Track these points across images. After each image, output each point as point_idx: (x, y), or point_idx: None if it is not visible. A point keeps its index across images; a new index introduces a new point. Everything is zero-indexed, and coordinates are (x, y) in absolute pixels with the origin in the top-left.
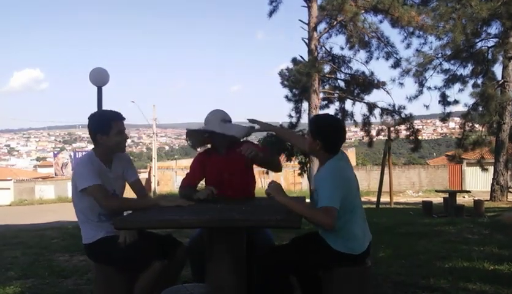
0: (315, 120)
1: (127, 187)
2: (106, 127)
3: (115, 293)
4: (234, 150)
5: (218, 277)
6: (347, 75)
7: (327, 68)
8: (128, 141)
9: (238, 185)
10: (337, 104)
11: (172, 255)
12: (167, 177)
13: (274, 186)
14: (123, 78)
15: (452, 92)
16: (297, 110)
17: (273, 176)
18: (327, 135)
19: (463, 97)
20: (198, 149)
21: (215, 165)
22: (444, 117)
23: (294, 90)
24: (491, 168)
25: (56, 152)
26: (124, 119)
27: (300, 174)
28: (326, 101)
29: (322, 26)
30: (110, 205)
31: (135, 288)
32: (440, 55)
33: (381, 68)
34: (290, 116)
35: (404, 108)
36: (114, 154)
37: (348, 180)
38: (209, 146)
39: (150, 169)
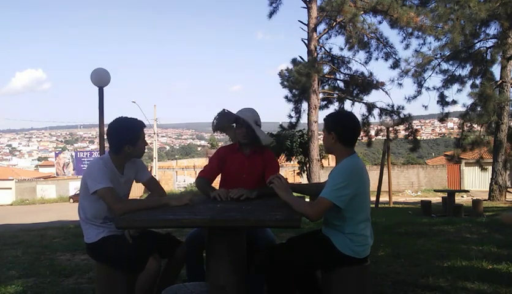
0: (328, 116)
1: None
2: (136, 136)
3: (117, 292)
4: (257, 154)
5: (218, 276)
6: (346, 76)
7: (326, 68)
8: None
9: (253, 186)
10: (336, 104)
11: (172, 253)
12: (168, 176)
13: (279, 184)
14: (124, 78)
15: (451, 93)
16: (297, 110)
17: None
18: (341, 125)
19: (462, 97)
20: (215, 134)
21: (237, 163)
22: (443, 118)
23: (294, 90)
24: (490, 168)
25: (57, 152)
26: (145, 126)
27: (299, 174)
28: (325, 102)
29: (321, 27)
30: (120, 208)
31: (135, 288)
32: (438, 55)
33: (380, 69)
34: (290, 116)
35: (403, 108)
36: (128, 160)
37: (362, 180)
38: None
39: (151, 169)
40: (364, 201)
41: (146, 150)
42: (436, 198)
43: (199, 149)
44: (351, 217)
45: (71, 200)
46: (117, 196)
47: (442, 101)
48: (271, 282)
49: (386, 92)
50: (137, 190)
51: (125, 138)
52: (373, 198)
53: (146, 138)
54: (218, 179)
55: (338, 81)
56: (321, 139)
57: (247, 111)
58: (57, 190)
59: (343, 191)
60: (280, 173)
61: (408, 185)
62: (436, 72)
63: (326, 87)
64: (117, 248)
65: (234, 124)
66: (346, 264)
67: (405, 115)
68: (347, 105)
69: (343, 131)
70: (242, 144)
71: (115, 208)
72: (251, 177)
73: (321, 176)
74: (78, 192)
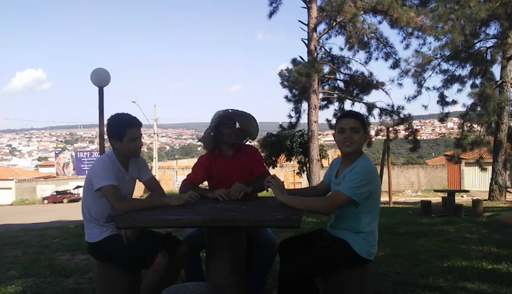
0: (361, 115)
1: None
2: (120, 132)
3: (117, 292)
4: (240, 152)
5: (218, 276)
6: (346, 76)
7: (326, 68)
8: None
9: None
10: (336, 104)
11: (172, 253)
12: (168, 176)
13: (276, 185)
14: (124, 78)
15: (451, 93)
16: (297, 110)
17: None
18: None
19: (462, 97)
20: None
21: (223, 167)
22: (443, 118)
23: (293, 90)
24: (490, 168)
25: (57, 152)
26: (139, 125)
27: (298, 174)
28: (325, 102)
29: (321, 27)
30: (121, 207)
31: (141, 286)
32: (438, 55)
33: (380, 69)
34: (290, 116)
35: (403, 108)
36: (129, 158)
37: (378, 180)
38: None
39: (151, 169)
40: (377, 201)
41: (145, 150)
42: (436, 198)
43: (199, 149)
44: (366, 215)
45: (46, 201)
46: (120, 195)
47: (442, 101)
48: (287, 286)
49: (386, 92)
50: (137, 190)
51: (110, 132)
52: None
53: (145, 138)
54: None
55: (338, 81)
56: (321, 139)
57: (222, 111)
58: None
59: (363, 188)
60: (279, 172)
61: (408, 185)
62: (436, 72)
63: (326, 87)
64: (120, 248)
65: (212, 133)
66: (360, 265)
67: (405, 115)
68: (347, 105)
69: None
70: (224, 146)
71: (116, 206)
72: (241, 177)
73: (321, 176)
74: (54, 193)
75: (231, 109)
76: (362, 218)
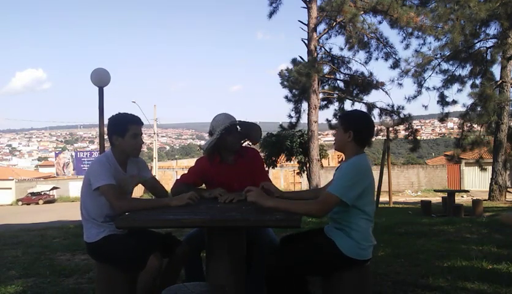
0: (347, 114)
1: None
2: (122, 129)
3: (117, 292)
4: (241, 157)
5: (218, 276)
6: (346, 76)
7: (326, 68)
8: None
9: None
10: (336, 104)
11: (172, 253)
12: (168, 177)
13: (256, 193)
14: (124, 78)
15: (451, 93)
16: (297, 110)
17: (273, 174)
18: (359, 125)
19: (462, 97)
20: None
21: (224, 175)
22: (443, 118)
23: (293, 90)
24: (490, 168)
25: (57, 152)
26: (141, 123)
27: (299, 173)
28: (325, 102)
29: (321, 27)
30: (121, 205)
31: (137, 287)
32: (438, 55)
33: (380, 69)
34: (290, 116)
35: (403, 108)
36: (129, 158)
37: (369, 179)
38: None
39: (151, 169)
40: (369, 200)
41: (145, 150)
42: (436, 198)
43: (199, 149)
44: (356, 214)
45: (20, 203)
46: (119, 194)
47: (442, 101)
48: (272, 286)
49: (386, 92)
50: (137, 190)
51: (112, 129)
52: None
53: (145, 138)
54: None
55: (338, 81)
56: (321, 139)
57: (225, 117)
58: (57, 190)
59: (353, 188)
60: (279, 172)
61: (408, 185)
62: (436, 72)
63: (326, 87)
64: (118, 248)
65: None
66: (351, 266)
67: (405, 115)
68: (347, 105)
69: (362, 132)
70: (226, 153)
71: (116, 205)
72: (243, 184)
73: (321, 176)
74: (29, 195)
75: (239, 121)
76: (352, 218)
